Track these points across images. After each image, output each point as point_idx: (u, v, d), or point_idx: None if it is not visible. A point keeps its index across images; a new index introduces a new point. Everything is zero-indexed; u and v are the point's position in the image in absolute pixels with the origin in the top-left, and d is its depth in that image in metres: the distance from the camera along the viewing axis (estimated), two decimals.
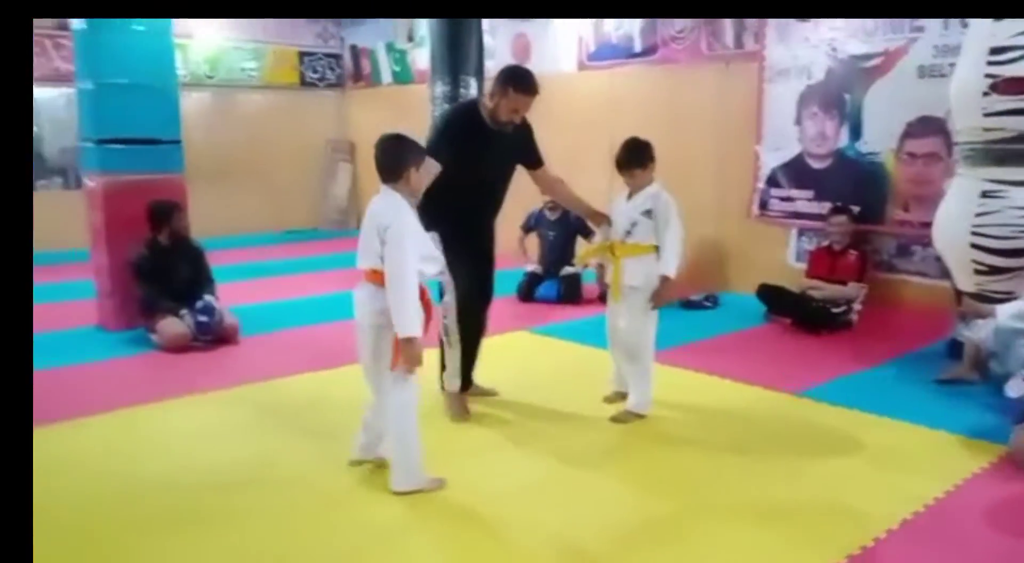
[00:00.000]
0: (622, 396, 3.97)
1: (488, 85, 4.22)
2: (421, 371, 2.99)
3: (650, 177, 3.82)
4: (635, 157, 3.81)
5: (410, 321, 2.82)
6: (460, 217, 3.70)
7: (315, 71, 10.98)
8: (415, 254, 2.86)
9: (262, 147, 10.58)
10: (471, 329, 3.92)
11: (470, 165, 3.63)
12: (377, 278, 2.89)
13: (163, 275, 5.15)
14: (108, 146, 5.42)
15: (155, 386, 4.31)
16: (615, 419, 3.81)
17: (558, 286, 6.51)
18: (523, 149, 3.96)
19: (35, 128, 9.01)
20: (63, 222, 7.77)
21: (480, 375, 4.11)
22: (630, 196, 3.85)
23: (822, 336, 5.37)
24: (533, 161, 4.04)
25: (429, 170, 3.07)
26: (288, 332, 5.51)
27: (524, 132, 3.93)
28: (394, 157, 2.89)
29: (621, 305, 3.85)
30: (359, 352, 3.08)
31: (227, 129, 10.30)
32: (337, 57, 11.16)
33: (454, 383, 3.90)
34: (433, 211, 3.44)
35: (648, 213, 3.75)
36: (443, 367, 3.94)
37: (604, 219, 3.94)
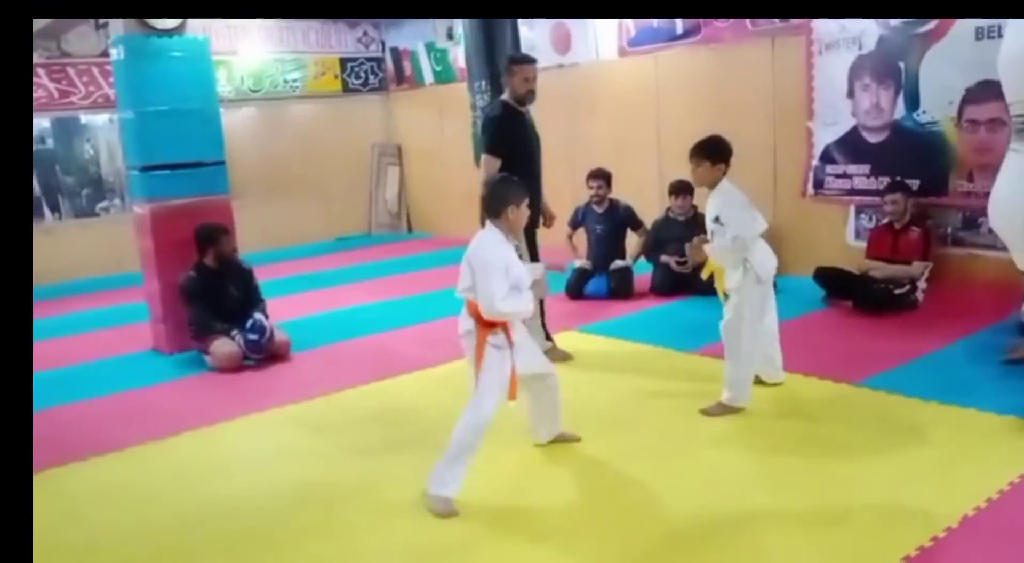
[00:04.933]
0: (758, 381, 4.05)
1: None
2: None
3: (715, 176, 3.84)
4: (703, 148, 3.86)
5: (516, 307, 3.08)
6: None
7: (357, 77, 11.14)
8: (501, 285, 3.03)
9: (310, 156, 10.81)
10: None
11: (520, 148, 4.53)
12: (468, 304, 3.17)
13: (212, 297, 5.31)
14: (153, 172, 5.61)
15: (211, 408, 4.45)
16: (705, 412, 3.86)
17: (608, 281, 6.47)
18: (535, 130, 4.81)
19: (92, 152, 9.39)
20: (124, 244, 7.92)
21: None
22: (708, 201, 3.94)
23: (885, 319, 5.22)
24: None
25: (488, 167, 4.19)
26: (340, 345, 5.61)
27: (531, 118, 4.82)
28: (496, 197, 3.17)
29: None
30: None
31: (275, 141, 10.56)
32: (378, 61, 11.29)
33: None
34: None
35: (717, 220, 3.79)
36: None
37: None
